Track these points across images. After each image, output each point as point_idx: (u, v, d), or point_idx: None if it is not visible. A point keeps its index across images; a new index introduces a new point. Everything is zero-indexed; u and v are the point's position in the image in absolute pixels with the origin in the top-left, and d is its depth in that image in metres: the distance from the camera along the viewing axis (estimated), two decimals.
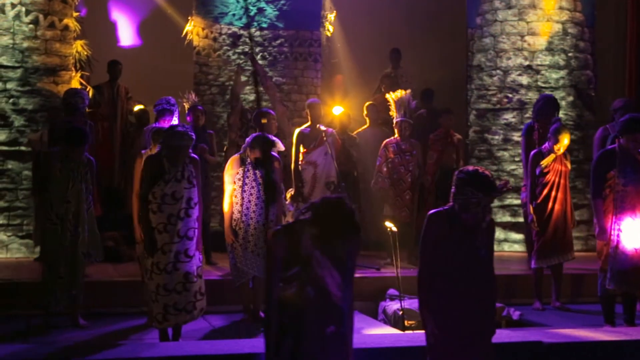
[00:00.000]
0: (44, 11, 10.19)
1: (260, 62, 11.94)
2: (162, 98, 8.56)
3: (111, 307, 8.03)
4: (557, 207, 8.41)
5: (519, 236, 11.46)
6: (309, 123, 9.85)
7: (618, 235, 7.15)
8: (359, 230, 4.11)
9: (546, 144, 8.49)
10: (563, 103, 11.40)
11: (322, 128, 9.59)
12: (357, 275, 8.37)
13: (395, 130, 9.79)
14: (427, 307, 4.96)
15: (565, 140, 8.33)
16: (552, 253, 8.41)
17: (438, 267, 4.93)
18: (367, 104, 11.11)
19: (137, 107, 11.63)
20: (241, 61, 11.93)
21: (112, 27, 14.08)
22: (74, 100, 8.44)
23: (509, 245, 11.52)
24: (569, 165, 8.54)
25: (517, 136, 11.48)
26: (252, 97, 11.80)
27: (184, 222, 6.43)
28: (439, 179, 9.97)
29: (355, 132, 10.68)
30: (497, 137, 11.62)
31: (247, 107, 11.65)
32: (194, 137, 6.48)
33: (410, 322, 7.66)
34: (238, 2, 11.91)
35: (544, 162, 8.39)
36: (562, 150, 8.37)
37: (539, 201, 8.40)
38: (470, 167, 5.05)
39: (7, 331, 7.12)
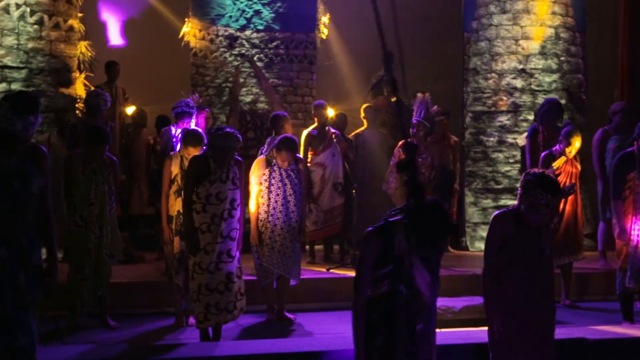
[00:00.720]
0: (49, 12, 10.14)
1: (257, 64, 12.01)
2: (180, 101, 8.61)
3: (133, 308, 8.07)
4: (568, 207, 8.66)
5: None
6: (315, 125, 9.98)
7: (638, 235, 7.39)
8: (455, 232, 4.24)
9: (557, 146, 8.73)
10: None
11: (332, 130, 9.72)
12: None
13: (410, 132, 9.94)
14: (492, 304, 5.13)
15: (577, 143, 8.59)
16: (563, 252, 8.63)
17: (504, 266, 5.10)
18: (365, 106, 11.26)
19: (130, 108, 11.65)
20: (238, 63, 11.97)
21: (102, 27, 14.02)
22: (96, 102, 8.45)
23: None
24: (579, 167, 8.79)
25: (511, 138, 11.75)
26: (249, 98, 11.84)
27: (227, 223, 6.52)
28: (438, 180, 10.17)
29: (352, 134, 10.83)
30: (492, 139, 11.86)
31: (246, 108, 11.76)
32: (240, 139, 6.57)
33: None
34: (235, 3, 11.95)
35: (555, 164, 8.62)
36: (573, 153, 8.63)
37: None
38: (537, 170, 5.24)
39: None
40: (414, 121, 9.87)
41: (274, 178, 7.69)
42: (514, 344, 5.09)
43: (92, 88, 10.63)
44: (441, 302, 8.06)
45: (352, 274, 8.71)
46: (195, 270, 6.52)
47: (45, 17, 10.10)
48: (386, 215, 4.37)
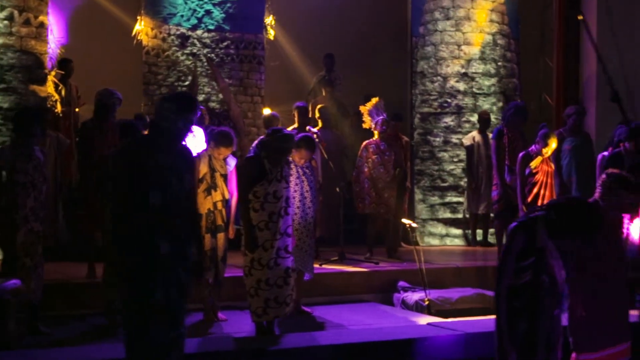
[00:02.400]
0: (19, 7, 9.88)
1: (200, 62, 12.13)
2: None
3: None
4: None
5: (459, 231, 12.40)
6: (295, 125, 10.27)
7: (627, 228, 8.14)
8: (600, 227, 4.73)
9: (533, 147, 9.41)
10: (494, 108, 12.48)
11: (313, 130, 10.04)
12: (360, 270, 9.03)
13: (375, 132, 10.37)
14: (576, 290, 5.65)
15: (553, 144, 9.29)
16: None
17: (588, 256, 5.61)
18: (320, 106, 11.60)
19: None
20: (189, 62, 12.06)
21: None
22: (111, 102, 8.41)
23: (450, 239, 12.42)
24: (552, 166, 9.49)
25: (455, 138, 12.43)
26: (201, 97, 11.95)
27: (284, 220, 6.78)
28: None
29: None
30: (438, 139, 12.51)
31: (204, 107, 11.85)
32: (296, 140, 6.84)
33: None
34: (186, 3, 12.04)
35: (533, 164, 9.29)
36: (549, 153, 9.32)
37: (529, 199, 9.29)
38: (616, 171, 5.75)
39: (73, 332, 7.13)
40: (380, 120, 10.32)
41: (291, 175, 7.94)
42: (596, 327, 5.62)
43: (61, 86, 10.50)
44: (437, 294, 8.61)
45: (340, 268, 9.21)
46: (253, 267, 6.72)
47: (16, 12, 9.84)
48: (528, 211, 4.81)
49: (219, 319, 7.62)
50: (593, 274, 5.63)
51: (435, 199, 12.48)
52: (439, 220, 12.42)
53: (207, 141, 7.72)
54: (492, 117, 12.25)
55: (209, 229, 7.48)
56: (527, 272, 4.76)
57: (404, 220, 9.53)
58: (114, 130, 8.43)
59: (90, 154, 8.26)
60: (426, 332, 6.33)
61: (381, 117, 10.26)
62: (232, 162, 7.90)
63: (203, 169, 7.57)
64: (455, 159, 12.44)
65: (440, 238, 12.36)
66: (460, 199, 12.37)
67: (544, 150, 9.28)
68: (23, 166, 6.74)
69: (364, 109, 10.32)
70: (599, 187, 5.67)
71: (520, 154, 9.47)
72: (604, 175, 5.74)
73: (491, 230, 12.20)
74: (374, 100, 10.40)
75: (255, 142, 8.80)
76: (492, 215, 11.25)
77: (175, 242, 4.77)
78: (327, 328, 7.37)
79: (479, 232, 12.20)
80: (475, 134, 11.93)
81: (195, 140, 8.82)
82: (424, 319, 7.69)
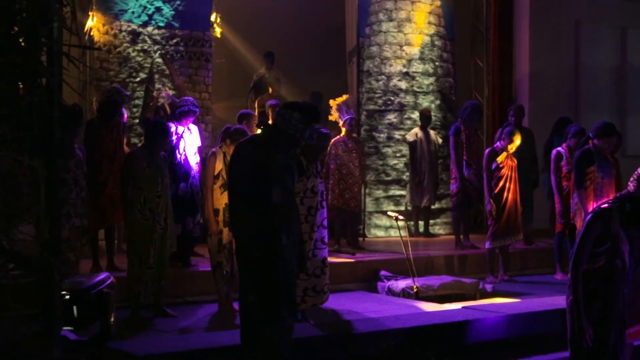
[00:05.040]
0: None
1: (158, 60, 12.23)
2: (186, 99, 8.94)
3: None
4: (510, 196, 10.05)
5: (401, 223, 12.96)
6: (270, 123, 10.58)
7: None
8: None
9: (498, 143, 10.11)
10: (432, 106, 13.14)
11: None
12: (339, 261, 9.49)
13: (343, 129, 10.82)
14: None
15: (517, 140, 10.00)
16: (505, 235, 10.03)
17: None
18: (271, 104, 11.93)
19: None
20: (140, 58, 12.13)
21: None
22: (120, 99, 8.47)
23: (394, 231, 12.85)
24: (515, 161, 10.20)
25: (398, 134, 13.01)
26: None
27: (320, 213, 7.15)
28: None
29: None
30: (382, 135, 13.06)
31: (160, 104, 11.96)
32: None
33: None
34: (137, 0, 12.10)
35: (499, 159, 9.98)
36: (514, 149, 10.03)
37: (496, 192, 9.97)
38: None
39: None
40: (349, 119, 10.78)
41: None
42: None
43: None
44: (420, 281, 9.16)
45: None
46: None
47: None
48: (601, 203, 5.40)
49: (235, 310, 7.87)
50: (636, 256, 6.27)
51: (380, 193, 13.04)
52: (384, 213, 12.97)
53: (223, 139, 7.94)
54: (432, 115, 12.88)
55: (226, 223, 7.73)
56: (602, 257, 5.35)
57: (390, 213, 10.03)
58: (119, 128, 8.54)
59: (96, 151, 8.30)
60: (472, 315, 6.84)
61: (350, 116, 10.71)
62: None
63: (219, 165, 7.83)
64: (398, 154, 13.03)
65: (385, 230, 12.92)
66: (403, 192, 12.95)
67: (509, 147, 9.97)
68: (66, 164, 6.81)
69: (334, 102, 10.73)
70: (634, 181, 6.30)
71: (487, 150, 10.15)
72: (639, 171, 6.35)
73: (432, 222, 12.91)
74: (345, 96, 10.84)
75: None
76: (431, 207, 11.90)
77: (291, 235, 5.10)
78: (343, 316, 7.75)
79: (421, 223, 12.82)
80: (417, 130, 12.51)
81: (192, 137, 9.01)
82: (428, 306, 8.19)
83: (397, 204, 13.03)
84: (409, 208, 12.92)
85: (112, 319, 6.01)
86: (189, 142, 8.93)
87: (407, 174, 12.79)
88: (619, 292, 5.38)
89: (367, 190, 12.91)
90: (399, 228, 9.40)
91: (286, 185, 5.13)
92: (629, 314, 6.19)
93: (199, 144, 9.06)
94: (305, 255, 5.46)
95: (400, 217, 9.57)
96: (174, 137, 8.81)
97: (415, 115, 12.96)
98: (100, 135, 8.32)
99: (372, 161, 13.06)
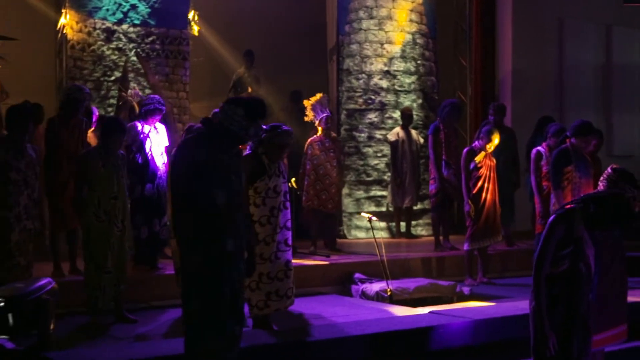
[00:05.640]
0: None
1: (133, 59, 12.00)
2: (152, 97, 8.70)
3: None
4: (489, 197, 9.81)
5: (383, 224, 12.75)
6: None
7: None
8: (633, 218, 5.13)
9: (477, 142, 9.88)
10: (414, 105, 12.92)
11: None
12: (312, 263, 9.26)
13: (319, 128, 10.57)
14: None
15: (496, 140, 9.77)
16: (484, 236, 9.79)
17: (605, 245, 5.95)
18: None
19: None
20: (115, 57, 11.90)
21: None
22: (81, 96, 8.22)
23: (376, 232, 12.66)
24: (494, 161, 9.97)
25: (379, 134, 12.79)
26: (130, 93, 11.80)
27: (283, 214, 6.88)
28: None
29: None
30: (363, 134, 12.83)
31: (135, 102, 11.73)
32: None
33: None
34: None
35: (477, 158, 9.74)
36: (492, 149, 9.80)
37: (474, 192, 9.73)
38: (617, 166, 6.17)
39: (59, 332, 6.98)
40: (325, 117, 10.54)
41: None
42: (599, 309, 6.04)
43: None
44: (395, 284, 8.93)
45: (295, 262, 9.36)
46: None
47: None
48: (565, 203, 5.16)
49: None
50: (604, 260, 6.07)
51: (360, 193, 12.81)
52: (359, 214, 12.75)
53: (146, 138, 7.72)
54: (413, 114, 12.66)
55: None
56: (565, 260, 5.11)
57: (364, 214, 9.80)
58: (81, 127, 8.31)
59: (57, 151, 8.08)
60: (437, 320, 6.60)
61: (325, 115, 10.47)
62: None
63: None
64: (379, 154, 12.81)
65: (366, 231, 12.66)
66: (384, 193, 12.73)
67: (487, 146, 9.74)
68: (16, 163, 6.57)
69: (308, 103, 10.49)
70: (603, 181, 6.08)
71: (465, 150, 9.91)
72: (609, 170, 6.14)
73: (414, 222, 12.69)
74: (318, 95, 10.59)
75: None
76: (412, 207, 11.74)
77: (237, 239, 4.86)
78: (309, 320, 7.52)
79: (402, 224, 12.60)
80: (398, 130, 12.30)
81: (159, 137, 8.78)
82: (400, 309, 7.96)
83: (378, 204, 12.81)
84: (391, 209, 12.71)
85: (51, 327, 5.74)
86: (155, 141, 8.69)
87: (389, 174, 12.58)
88: (584, 298, 5.15)
89: (347, 191, 12.71)
90: (372, 229, 9.16)
91: (231, 187, 4.87)
92: (598, 320, 5.98)
93: (167, 143, 8.81)
94: (254, 259, 5.20)
95: (374, 217, 9.34)
96: (140, 136, 8.56)
97: (397, 114, 12.74)
98: (61, 135, 8.09)
99: (353, 161, 12.84)
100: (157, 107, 8.53)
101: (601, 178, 5.96)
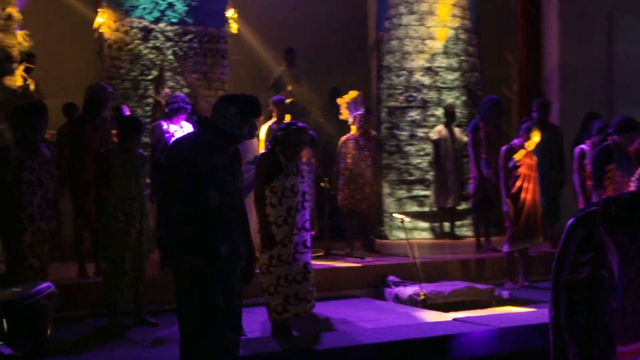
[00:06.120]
0: None
1: (170, 58, 11.89)
2: (177, 95, 8.57)
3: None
4: (529, 196, 9.44)
5: (426, 224, 12.45)
6: (274, 120, 10.16)
7: None
8: None
9: (516, 140, 9.52)
10: (458, 102, 12.57)
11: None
12: (350, 265, 9.00)
13: (353, 127, 10.32)
14: None
15: (536, 137, 9.39)
16: (524, 238, 9.43)
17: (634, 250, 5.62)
18: (289, 101, 11.49)
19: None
20: (153, 55, 11.80)
21: None
22: (104, 96, 8.12)
23: (418, 233, 12.45)
24: (535, 159, 9.60)
25: (421, 132, 12.48)
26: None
27: (301, 214, 6.66)
28: None
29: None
30: (404, 133, 12.53)
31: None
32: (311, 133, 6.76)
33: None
34: None
35: (517, 156, 9.38)
36: (532, 146, 9.43)
37: (513, 191, 9.38)
38: None
39: (75, 334, 6.88)
40: (359, 115, 10.27)
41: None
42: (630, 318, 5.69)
43: (30, 80, 10.15)
44: (430, 287, 8.63)
45: (329, 264, 9.14)
46: (271, 264, 6.57)
47: None
48: (585, 206, 4.82)
49: None
50: (634, 266, 5.71)
51: (402, 193, 12.52)
52: (407, 214, 12.42)
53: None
54: (457, 111, 12.33)
55: None
56: (586, 266, 4.77)
57: (396, 215, 9.51)
58: (104, 126, 8.20)
59: (81, 150, 7.98)
60: (459, 328, 6.31)
61: (359, 112, 10.21)
62: None
63: None
64: (421, 153, 12.50)
65: (410, 231, 12.37)
66: (427, 193, 12.42)
67: (527, 144, 9.38)
68: (29, 163, 6.47)
69: (342, 101, 10.26)
70: (635, 181, 5.72)
71: (504, 148, 9.55)
72: None
73: (458, 223, 12.34)
74: (352, 93, 10.34)
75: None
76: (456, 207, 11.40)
77: (232, 243, 4.64)
78: (335, 325, 7.28)
79: (446, 224, 12.29)
80: (441, 127, 11.99)
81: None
82: (431, 315, 7.67)
83: (421, 204, 12.50)
84: (434, 209, 12.39)
85: (48, 332, 5.59)
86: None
87: (431, 173, 12.26)
88: (606, 307, 4.79)
89: (389, 191, 12.44)
90: (405, 230, 8.87)
91: (225, 188, 4.65)
92: (625, 330, 5.63)
93: None
94: (254, 264, 4.96)
95: (407, 218, 9.04)
96: (166, 136, 8.42)
97: (439, 111, 12.42)
98: (85, 134, 7.98)
99: (394, 160, 12.55)
100: (182, 105, 8.37)
101: (633, 178, 5.60)
